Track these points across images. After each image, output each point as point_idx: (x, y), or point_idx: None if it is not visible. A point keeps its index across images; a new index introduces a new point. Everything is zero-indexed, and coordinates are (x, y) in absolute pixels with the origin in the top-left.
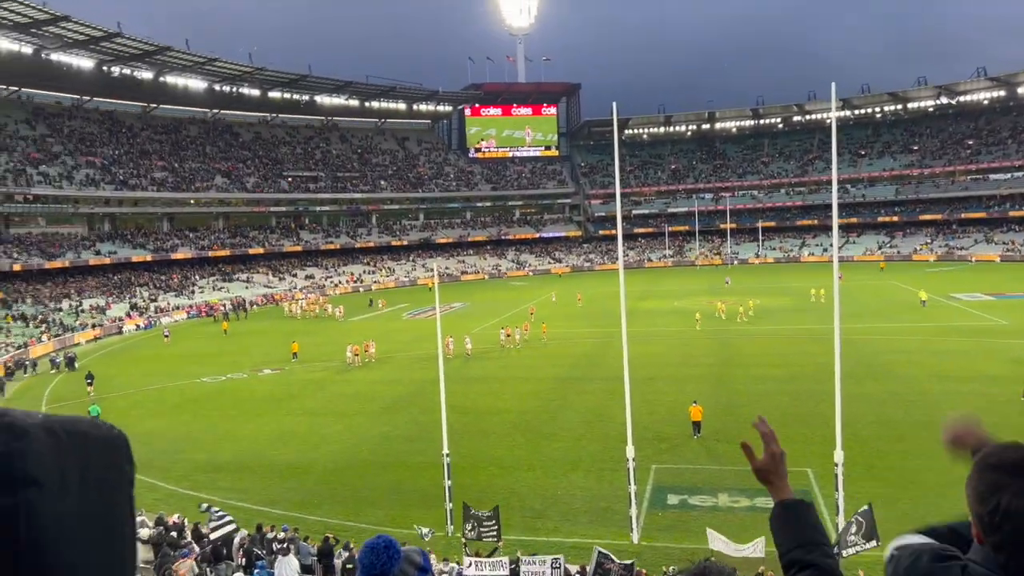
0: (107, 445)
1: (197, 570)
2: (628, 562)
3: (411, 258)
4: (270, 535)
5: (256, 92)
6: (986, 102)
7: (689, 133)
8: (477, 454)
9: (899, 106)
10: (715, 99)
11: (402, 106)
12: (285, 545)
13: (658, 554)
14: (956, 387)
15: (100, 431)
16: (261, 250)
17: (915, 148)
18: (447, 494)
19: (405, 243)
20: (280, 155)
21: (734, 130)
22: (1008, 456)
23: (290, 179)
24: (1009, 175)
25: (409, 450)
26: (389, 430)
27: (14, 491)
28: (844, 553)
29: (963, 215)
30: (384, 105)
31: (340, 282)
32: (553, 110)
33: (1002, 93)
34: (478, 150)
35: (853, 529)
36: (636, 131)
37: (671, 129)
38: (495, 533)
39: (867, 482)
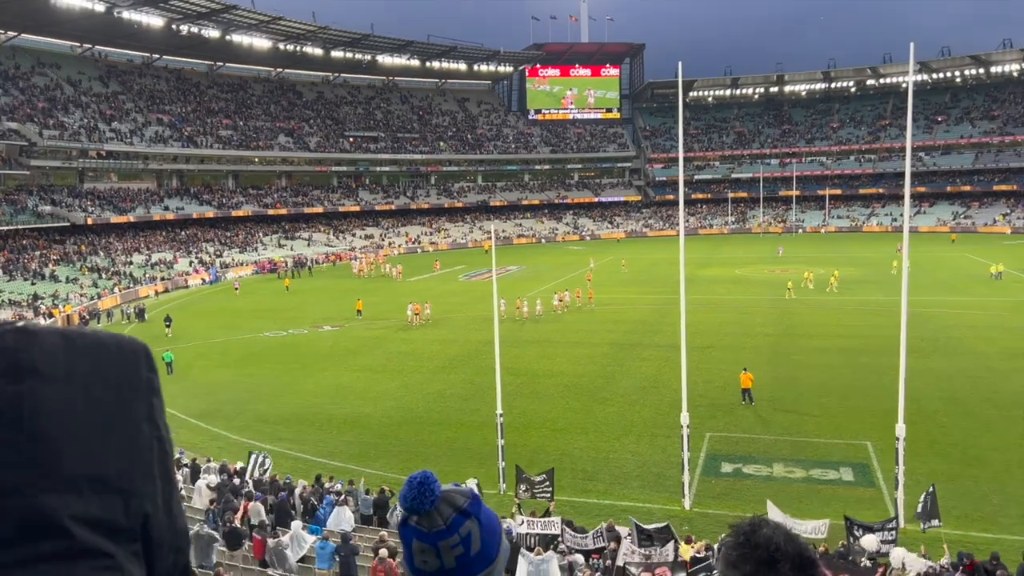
0: (123, 351)
1: (264, 517)
2: (662, 524)
3: (468, 220)
4: (328, 485)
5: (319, 51)
6: None
7: (756, 96)
8: (530, 415)
9: (981, 70)
10: (784, 61)
11: (463, 66)
12: (342, 497)
13: (710, 521)
14: None
15: (116, 339)
16: (320, 209)
17: (996, 114)
18: (500, 453)
19: (462, 205)
20: (342, 115)
21: (803, 94)
22: None
23: (351, 139)
24: None
25: (464, 409)
26: (444, 388)
27: (19, 379)
28: (906, 527)
29: None
30: (445, 65)
31: (398, 243)
32: (615, 71)
33: None
34: (538, 111)
35: (918, 508)
36: (701, 93)
37: (737, 92)
38: (549, 494)
39: (929, 458)
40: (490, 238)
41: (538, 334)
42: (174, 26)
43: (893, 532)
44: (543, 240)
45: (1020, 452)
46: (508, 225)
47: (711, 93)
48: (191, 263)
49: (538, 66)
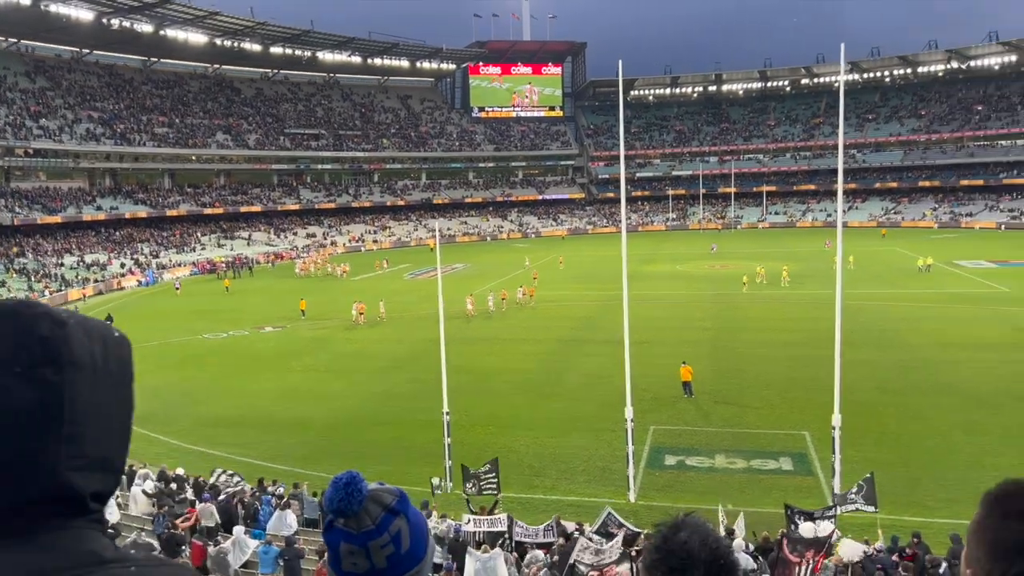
0: (119, 342)
1: (217, 518)
2: (637, 530)
3: (412, 218)
4: (270, 489)
5: (258, 47)
6: (997, 67)
7: (695, 95)
8: (477, 413)
9: (908, 70)
10: (722, 60)
11: (405, 63)
12: (285, 500)
13: (655, 513)
14: (956, 354)
15: (112, 331)
16: (260, 208)
17: (923, 113)
18: (447, 451)
19: (404, 203)
20: (282, 112)
21: (741, 93)
22: None
23: (292, 136)
24: (1019, 141)
25: (410, 408)
26: (390, 388)
27: (61, 370)
28: (842, 510)
29: (968, 182)
30: (387, 62)
31: (341, 241)
32: (557, 69)
33: (1013, 58)
34: (481, 109)
35: (854, 490)
36: (642, 92)
37: (677, 91)
38: (495, 485)
39: (865, 446)
40: (434, 236)
41: (484, 332)
42: (104, 20)
43: (832, 519)
44: (488, 238)
45: (949, 439)
46: (453, 223)
47: (652, 92)
48: (123, 264)
49: (480, 64)
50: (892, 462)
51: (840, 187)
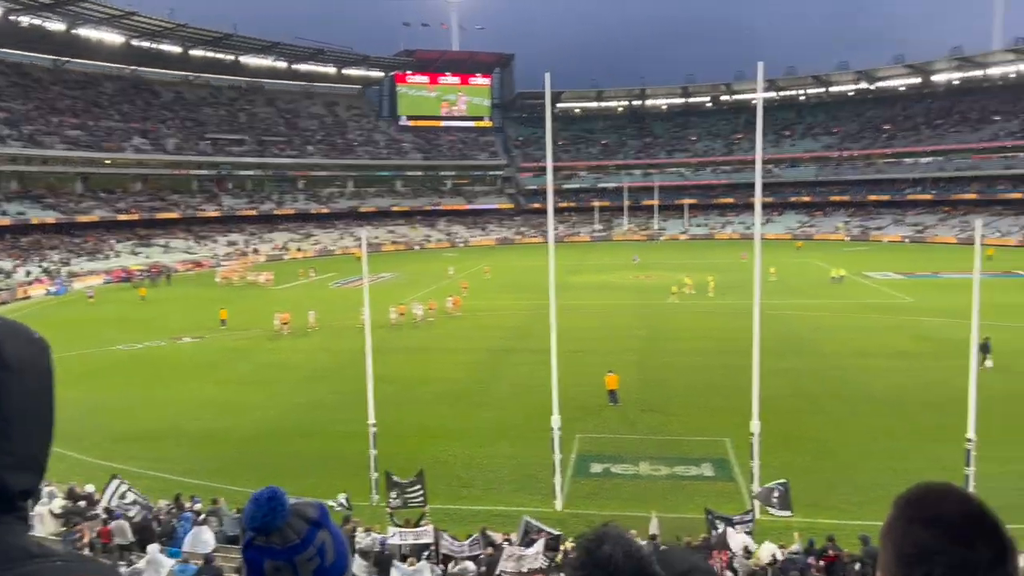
0: (41, 346)
1: (131, 536)
2: (556, 533)
3: (338, 226)
4: (187, 505)
5: (177, 49)
6: (902, 88)
7: (620, 109)
8: (404, 423)
9: (822, 89)
10: (647, 75)
11: (331, 70)
12: (202, 517)
13: (581, 521)
14: (868, 362)
15: (34, 334)
16: (179, 214)
17: (836, 131)
18: (372, 463)
19: (328, 211)
20: (203, 116)
21: (664, 107)
22: (947, 510)
23: (213, 141)
24: (922, 159)
25: (334, 419)
26: (315, 399)
27: None
28: (759, 511)
29: (876, 197)
30: (313, 68)
31: (263, 249)
32: (485, 80)
33: (917, 80)
34: (410, 118)
35: (775, 494)
36: (569, 105)
37: (603, 104)
38: (421, 498)
39: (783, 452)
40: (360, 245)
41: (412, 341)
42: (12, 17)
43: (750, 524)
44: (416, 247)
45: (864, 444)
46: (380, 232)
47: (578, 105)
48: (28, 272)
49: (407, 72)
50: (808, 467)
51: (758, 201)
